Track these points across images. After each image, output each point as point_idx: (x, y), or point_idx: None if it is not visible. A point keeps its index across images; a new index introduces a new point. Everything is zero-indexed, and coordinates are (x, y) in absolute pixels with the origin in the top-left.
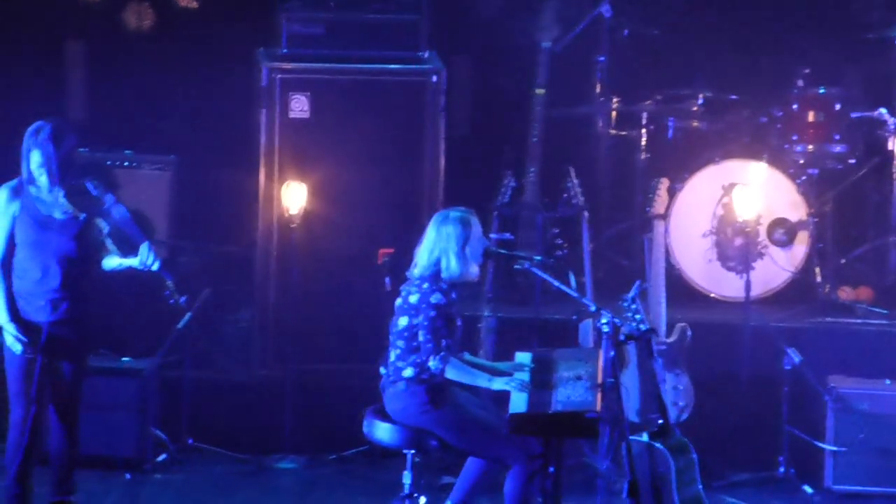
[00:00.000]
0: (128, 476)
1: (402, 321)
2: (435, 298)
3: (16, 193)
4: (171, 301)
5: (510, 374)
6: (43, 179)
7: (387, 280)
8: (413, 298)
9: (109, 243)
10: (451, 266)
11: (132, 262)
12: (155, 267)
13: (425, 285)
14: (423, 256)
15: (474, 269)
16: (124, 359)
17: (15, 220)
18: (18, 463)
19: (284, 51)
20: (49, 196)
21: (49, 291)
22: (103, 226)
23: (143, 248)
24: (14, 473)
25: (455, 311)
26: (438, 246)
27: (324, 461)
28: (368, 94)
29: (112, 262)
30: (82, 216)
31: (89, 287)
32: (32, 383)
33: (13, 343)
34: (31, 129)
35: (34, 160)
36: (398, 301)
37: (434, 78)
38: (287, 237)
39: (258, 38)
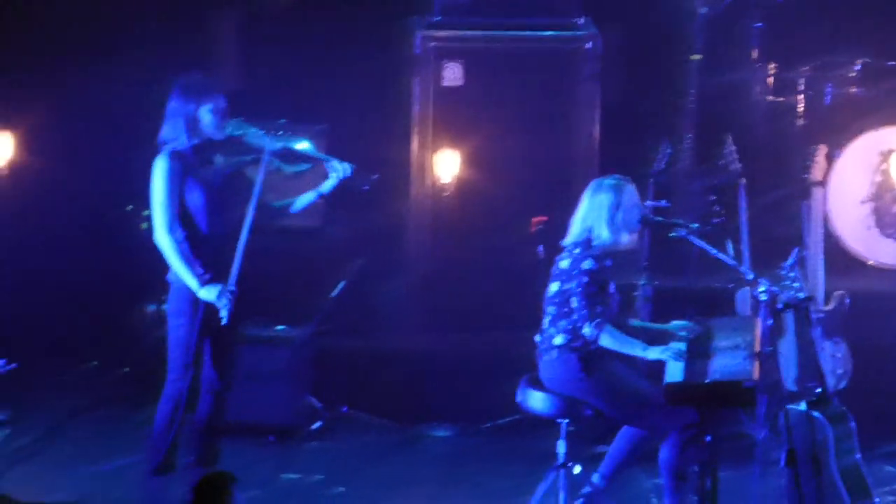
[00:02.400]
0: (279, 443)
1: (554, 287)
2: (587, 265)
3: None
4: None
5: (672, 334)
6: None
7: (540, 248)
8: (564, 264)
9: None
10: (601, 234)
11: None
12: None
13: (577, 251)
14: (576, 225)
15: (626, 238)
16: (278, 327)
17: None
18: (173, 435)
19: (438, 18)
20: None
21: None
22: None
23: (334, 163)
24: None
25: (609, 279)
26: (591, 215)
27: (477, 430)
28: (522, 62)
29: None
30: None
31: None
32: (191, 350)
33: (226, 305)
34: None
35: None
36: (552, 268)
37: (589, 44)
38: (440, 206)
39: (411, 6)
